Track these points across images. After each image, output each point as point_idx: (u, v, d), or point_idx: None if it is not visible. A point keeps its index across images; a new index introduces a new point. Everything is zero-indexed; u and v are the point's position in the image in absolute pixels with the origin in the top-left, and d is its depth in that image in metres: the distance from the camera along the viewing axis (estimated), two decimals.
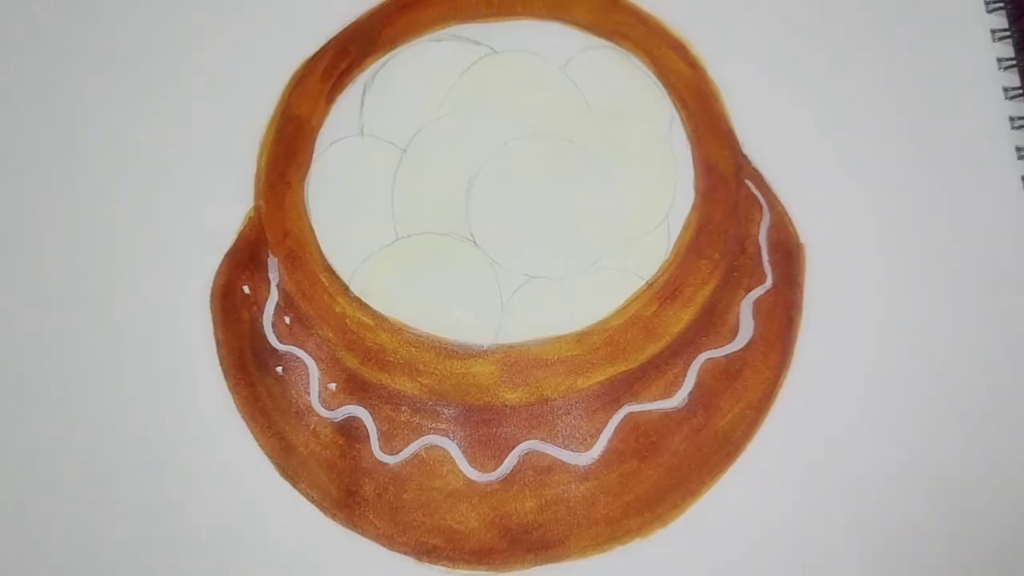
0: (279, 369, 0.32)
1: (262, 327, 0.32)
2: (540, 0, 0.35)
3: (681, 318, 0.32)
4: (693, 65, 0.35)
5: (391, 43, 0.35)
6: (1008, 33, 0.36)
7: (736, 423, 0.32)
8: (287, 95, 0.35)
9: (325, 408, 0.32)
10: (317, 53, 0.35)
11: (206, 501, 0.31)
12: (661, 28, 0.35)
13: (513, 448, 0.31)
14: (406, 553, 0.31)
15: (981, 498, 0.31)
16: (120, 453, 0.32)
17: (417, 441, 0.31)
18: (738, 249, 0.33)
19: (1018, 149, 0.35)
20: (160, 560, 0.31)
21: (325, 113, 0.34)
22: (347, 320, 0.32)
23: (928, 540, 0.31)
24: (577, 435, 0.31)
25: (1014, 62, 0.36)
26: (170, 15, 0.36)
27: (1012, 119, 0.35)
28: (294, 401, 0.32)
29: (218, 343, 0.32)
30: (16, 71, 0.35)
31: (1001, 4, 0.36)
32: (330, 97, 0.34)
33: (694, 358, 0.32)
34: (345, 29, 0.35)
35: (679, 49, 0.35)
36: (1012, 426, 0.32)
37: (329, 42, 0.35)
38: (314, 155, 0.34)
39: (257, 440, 0.32)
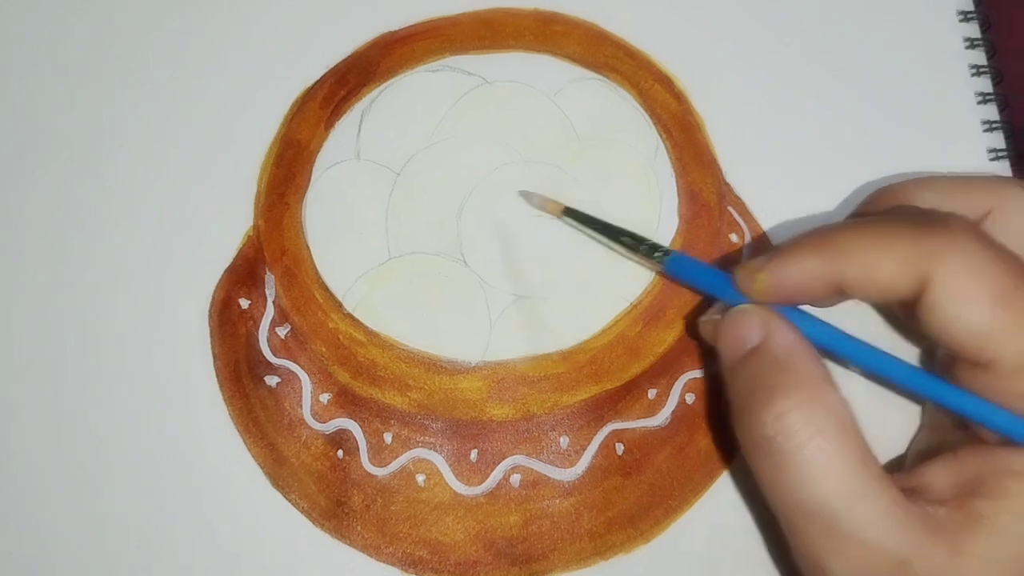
0: (273, 382, 0.33)
1: (258, 341, 0.33)
2: (531, 34, 0.37)
3: (665, 339, 0.33)
4: (678, 97, 0.36)
5: (388, 73, 0.36)
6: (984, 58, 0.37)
7: (718, 442, 0.33)
8: (288, 120, 0.36)
9: (317, 421, 0.32)
10: (317, 82, 0.36)
11: (198, 508, 0.32)
12: (648, 62, 0.37)
13: (499, 463, 0.32)
14: (392, 564, 0.31)
15: None
16: (115, 457, 0.32)
17: (405, 454, 0.32)
18: None
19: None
20: (152, 562, 0.31)
21: (324, 138, 0.35)
22: (340, 336, 0.33)
23: None
24: (562, 451, 0.32)
25: (992, 95, 0.37)
26: (184, 41, 0.37)
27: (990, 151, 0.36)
28: (287, 413, 0.32)
29: (215, 355, 0.33)
30: (26, 85, 0.36)
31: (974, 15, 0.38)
32: (329, 123, 0.35)
33: (677, 378, 0.33)
34: (345, 60, 0.36)
35: (665, 82, 0.36)
36: None
37: (329, 71, 0.36)
38: (312, 178, 0.35)
39: (250, 450, 0.32)
